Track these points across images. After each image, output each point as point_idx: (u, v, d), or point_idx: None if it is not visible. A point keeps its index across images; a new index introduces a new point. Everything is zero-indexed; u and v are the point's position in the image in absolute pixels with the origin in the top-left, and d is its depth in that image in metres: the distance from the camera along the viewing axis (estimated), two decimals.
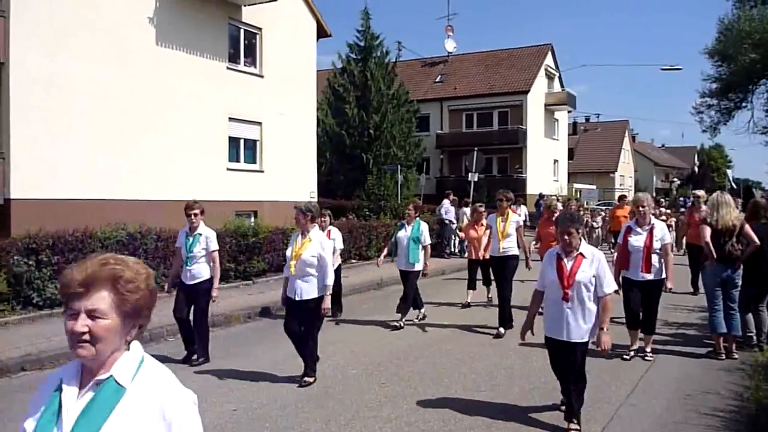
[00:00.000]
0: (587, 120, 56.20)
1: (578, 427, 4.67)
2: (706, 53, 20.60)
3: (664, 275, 6.75)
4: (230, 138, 16.10)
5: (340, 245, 9.18)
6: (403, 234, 8.72)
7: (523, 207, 21.50)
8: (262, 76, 17.01)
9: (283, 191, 16.66)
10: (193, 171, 14.77)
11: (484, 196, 22.40)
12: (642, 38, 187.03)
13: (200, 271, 6.74)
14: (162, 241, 10.30)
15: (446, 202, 18.36)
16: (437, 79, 37.61)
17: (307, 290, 5.90)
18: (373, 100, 26.81)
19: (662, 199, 29.08)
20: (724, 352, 6.86)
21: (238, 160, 16.55)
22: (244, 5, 16.15)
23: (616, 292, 5.30)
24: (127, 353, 1.64)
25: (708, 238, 6.94)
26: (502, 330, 8.03)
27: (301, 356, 6.05)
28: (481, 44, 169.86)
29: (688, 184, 57.94)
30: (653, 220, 6.86)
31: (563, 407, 5.02)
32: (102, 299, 1.57)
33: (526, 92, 34.13)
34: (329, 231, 8.77)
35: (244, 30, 16.70)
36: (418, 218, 8.85)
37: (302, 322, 6.02)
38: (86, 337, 1.54)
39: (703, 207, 10.10)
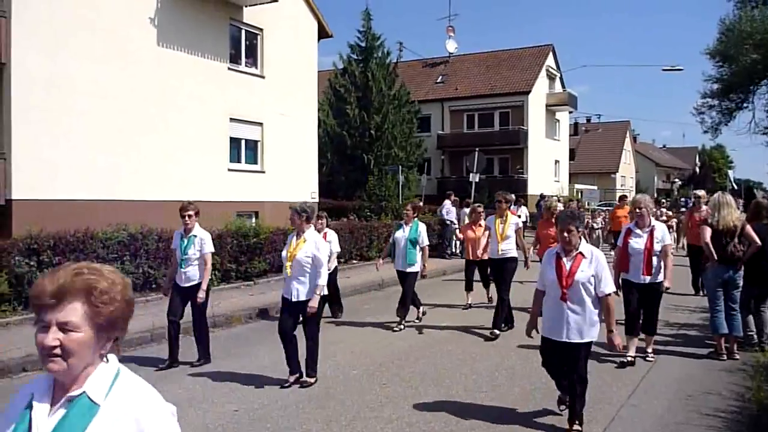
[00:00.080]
0: (588, 120, 56.31)
1: (580, 429, 4.66)
2: (707, 54, 20.55)
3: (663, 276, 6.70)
4: (231, 138, 16.10)
5: (336, 248, 9.13)
6: (401, 234, 8.67)
7: (523, 208, 21.48)
8: (263, 77, 17.01)
9: (284, 192, 16.65)
10: (194, 171, 14.78)
11: (485, 196, 22.37)
12: (643, 39, 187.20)
13: (195, 273, 6.70)
14: (163, 241, 10.30)
15: (447, 203, 18.36)
16: (438, 80, 37.60)
17: (303, 291, 5.88)
18: (374, 100, 26.81)
19: (663, 200, 29.05)
20: (726, 353, 6.85)
21: (239, 161, 16.56)
22: (245, 6, 16.16)
23: (616, 293, 5.29)
24: (101, 367, 1.56)
25: (708, 239, 6.93)
26: (496, 331, 7.99)
27: (287, 358, 6.00)
28: (482, 45, 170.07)
29: (690, 185, 57.89)
30: (653, 221, 6.78)
31: (561, 407, 5.02)
32: (74, 311, 1.49)
33: (527, 93, 34.12)
34: (325, 233, 8.73)
35: (245, 30, 16.71)
36: (416, 219, 8.81)
37: (297, 322, 6.00)
38: (57, 351, 1.47)
39: (704, 207, 10.10)
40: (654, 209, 8.64)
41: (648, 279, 6.59)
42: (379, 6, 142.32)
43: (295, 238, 6.01)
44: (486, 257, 8.96)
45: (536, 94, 34.97)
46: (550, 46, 37.46)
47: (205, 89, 15.14)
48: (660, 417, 5.13)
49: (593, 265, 4.56)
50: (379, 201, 21.88)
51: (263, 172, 17.00)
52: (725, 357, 6.82)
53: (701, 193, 11.48)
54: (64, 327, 1.48)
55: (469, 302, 10.09)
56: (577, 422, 4.67)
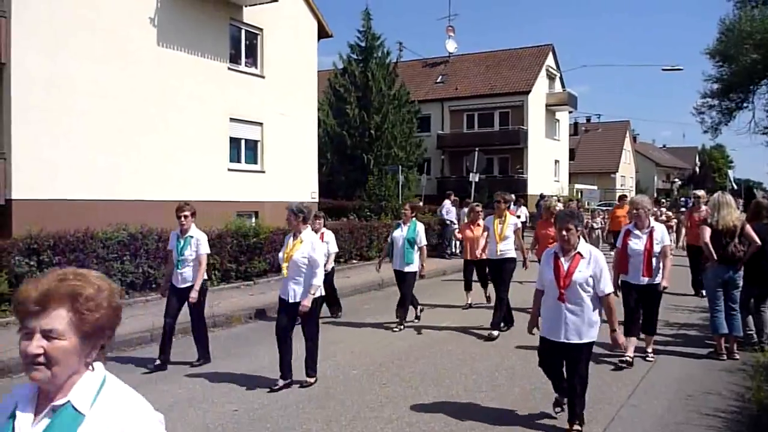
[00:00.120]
0: (588, 120, 56.30)
1: (580, 429, 4.65)
2: (707, 54, 20.56)
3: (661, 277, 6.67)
4: (231, 138, 16.10)
5: (334, 248, 9.11)
6: (399, 234, 8.65)
7: (523, 208, 21.47)
8: (263, 77, 17.01)
9: (284, 192, 16.65)
10: (194, 171, 14.78)
11: (485, 196, 22.37)
12: (643, 39, 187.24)
13: (192, 274, 6.68)
14: (163, 241, 10.27)
15: (447, 203, 18.37)
16: (438, 80, 37.61)
17: (300, 292, 5.85)
18: (374, 100, 26.82)
19: (663, 200, 29.03)
20: (726, 353, 6.85)
21: (239, 161, 16.56)
22: (245, 6, 16.16)
23: (615, 294, 5.29)
24: (87, 375, 1.52)
25: (707, 239, 6.92)
26: (495, 333, 7.94)
27: (280, 360, 5.92)
28: (482, 45, 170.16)
29: (690, 185, 57.93)
30: (652, 222, 6.73)
31: (556, 409, 4.99)
32: (59, 318, 1.45)
33: (527, 93, 34.13)
34: (322, 233, 8.72)
35: (245, 30, 16.71)
36: (414, 218, 8.78)
37: (294, 323, 5.96)
38: (41, 359, 1.43)
39: (703, 207, 10.10)
40: (653, 209, 8.63)
41: (647, 280, 6.56)
42: (379, 6, 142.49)
43: (291, 238, 5.97)
44: (484, 256, 8.92)
45: (536, 94, 34.98)
46: (550, 46, 37.47)
47: (205, 89, 15.14)
48: (660, 417, 5.13)
49: (591, 266, 4.53)
50: (379, 201, 21.88)
51: (263, 172, 17.01)
52: (725, 357, 6.82)
53: (701, 193, 11.48)
54: (48, 334, 1.44)
55: (469, 302, 10.09)
56: (577, 423, 4.66)
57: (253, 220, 14.92)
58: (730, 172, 64.62)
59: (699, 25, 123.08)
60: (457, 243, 17.71)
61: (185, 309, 6.78)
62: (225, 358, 6.97)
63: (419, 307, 9.15)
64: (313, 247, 5.84)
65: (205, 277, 6.87)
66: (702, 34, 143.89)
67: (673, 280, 6.94)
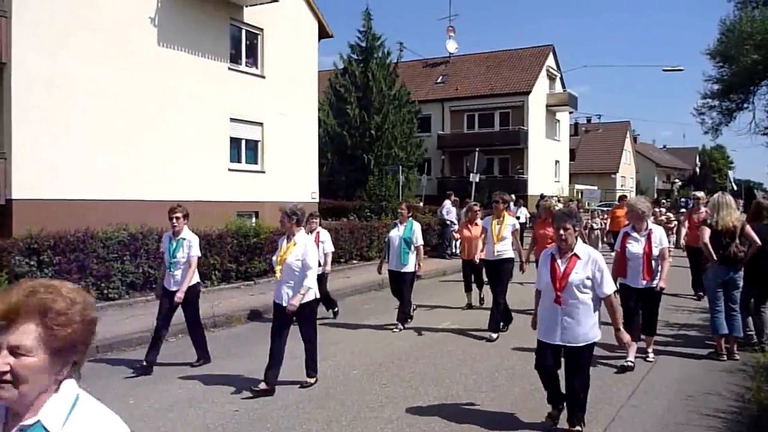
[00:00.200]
0: (588, 121, 56.36)
1: (581, 430, 4.63)
2: (707, 54, 20.57)
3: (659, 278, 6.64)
4: (231, 138, 16.10)
5: (330, 248, 9.04)
6: (395, 233, 8.60)
7: (523, 209, 21.47)
8: (263, 77, 17.01)
9: (284, 192, 16.64)
10: (195, 171, 14.78)
11: (485, 196, 22.33)
12: (643, 39, 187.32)
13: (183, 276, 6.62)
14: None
15: (447, 203, 18.37)
16: (438, 80, 37.63)
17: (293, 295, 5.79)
18: (374, 100, 26.82)
19: (663, 200, 29.02)
20: (726, 353, 6.84)
21: (239, 161, 16.56)
22: (246, 6, 16.16)
23: (615, 294, 5.27)
24: (58, 394, 1.44)
25: (707, 240, 6.92)
26: (493, 335, 7.85)
27: (268, 364, 5.77)
28: (482, 45, 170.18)
29: (690, 185, 57.95)
30: (650, 224, 6.69)
31: (548, 421, 4.84)
32: (27, 334, 1.37)
33: (528, 93, 34.14)
34: (318, 233, 8.70)
35: (246, 30, 16.71)
36: (410, 218, 8.72)
37: (288, 327, 5.88)
38: (8, 377, 1.35)
39: (702, 209, 10.08)
40: (653, 209, 8.61)
41: (646, 283, 6.52)
42: (379, 6, 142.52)
43: (285, 241, 5.91)
44: (482, 256, 8.85)
45: (536, 94, 34.99)
46: (551, 46, 37.48)
47: (206, 89, 15.14)
48: (660, 417, 5.12)
49: (589, 267, 4.47)
50: (379, 201, 21.88)
51: (263, 172, 17.00)
52: (725, 357, 6.82)
53: (700, 194, 11.47)
54: (15, 351, 1.37)
55: (469, 302, 10.08)
56: (577, 423, 4.62)
57: (254, 220, 14.93)
58: (730, 172, 64.66)
59: (699, 25, 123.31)
60: (457, 243, 17.73)
61: (181, 311, 6.75)
62: (225, 358, 6.97)
63: (412, 305, 9.11)
64: (306, 249, 5.75)
65: (198, 279, 6.80)
66: (702, 35, 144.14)
67: (672, 280, 6.93)
